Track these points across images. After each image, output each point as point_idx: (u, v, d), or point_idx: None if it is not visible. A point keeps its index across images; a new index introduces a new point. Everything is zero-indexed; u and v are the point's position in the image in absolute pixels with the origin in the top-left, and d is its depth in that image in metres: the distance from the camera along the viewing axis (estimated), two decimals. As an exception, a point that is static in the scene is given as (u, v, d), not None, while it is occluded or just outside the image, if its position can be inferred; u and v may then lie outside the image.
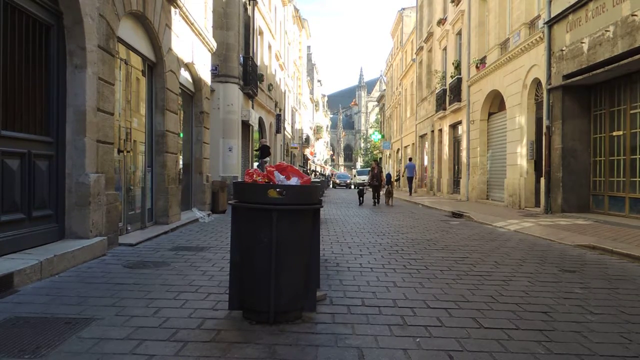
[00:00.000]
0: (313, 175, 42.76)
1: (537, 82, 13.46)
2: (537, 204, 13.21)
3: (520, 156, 14.30)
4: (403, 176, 25.47)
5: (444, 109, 22.72)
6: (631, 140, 10.05)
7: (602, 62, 9.83)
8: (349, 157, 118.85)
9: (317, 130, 68.23)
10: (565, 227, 9.08)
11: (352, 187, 42.04)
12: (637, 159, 9.84)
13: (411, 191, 24.27)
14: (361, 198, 18.32)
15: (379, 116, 63.92)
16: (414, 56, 31.71)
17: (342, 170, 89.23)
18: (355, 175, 50.11)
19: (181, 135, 10.09)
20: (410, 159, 28.08)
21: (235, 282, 3.39)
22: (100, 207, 5.85)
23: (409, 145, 34.37)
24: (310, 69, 60.73)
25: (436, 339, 3.07)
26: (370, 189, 19.07)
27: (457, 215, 12.87)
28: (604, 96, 11.05)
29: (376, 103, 79.78)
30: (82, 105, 5.56)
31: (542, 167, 12.50)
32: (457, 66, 21.06)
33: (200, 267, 5.18)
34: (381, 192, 18.82)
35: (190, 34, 10.20)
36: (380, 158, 54.17)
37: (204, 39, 11.16)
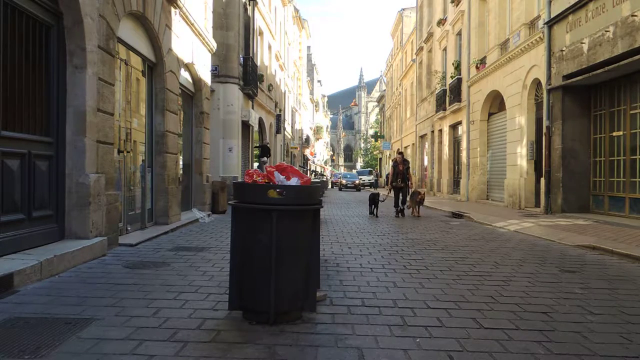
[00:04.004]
0: (313, 175, 42.39)
1: (537, 83, 13.46)
2: (537, 204, 13.21)
3: (520, 156, 14.31)
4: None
5: (444, 110, 22.72)
6: (631, 141, 10.06)
7: (602, 62, 9.83)
8: (349, 157, 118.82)
9: (317, 130, 68.21)
10: (565, 228, 9.08)
11: (361, 189, 36.55)
12: (637, 159, 9.84)
13: None
14: (373, 207, 12.53)
15: (379, 116, 63.91)
16: (414, 56, 31.72)
17: (342, 170, 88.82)
18: None
19: (181, 135, 10.10)
20: None
21: (235, 282, 3.39)
22: (100, 208, 5.85)
23: (409, 145, 34.42)
24: (310, 69, 60.74)
25: (436, 339, 3.07)
26: (390, 195, 13.46)
27: (457, 215, 12.86)
28: (604, 96, 11.05)
29: (376, 103, 79.82)
30: (82, 105, 5.57)
31: (542, 167, 12.50)
32: (457, 66, 21.06)
33: (200, 267, 5.18)
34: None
35: (190, 34, 10.20)
36: (380, 158, 54.00)
37: (204, 39, 11.16)
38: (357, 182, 37.92)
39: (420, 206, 12.71)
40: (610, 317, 3.66)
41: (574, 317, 3.62)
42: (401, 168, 12.57)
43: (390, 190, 13.16)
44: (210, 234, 8.02)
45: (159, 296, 3.92)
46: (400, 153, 13.50)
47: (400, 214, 12.30)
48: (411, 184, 13.04)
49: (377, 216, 12.24)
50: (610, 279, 5.07)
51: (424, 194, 13.08)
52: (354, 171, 63.21)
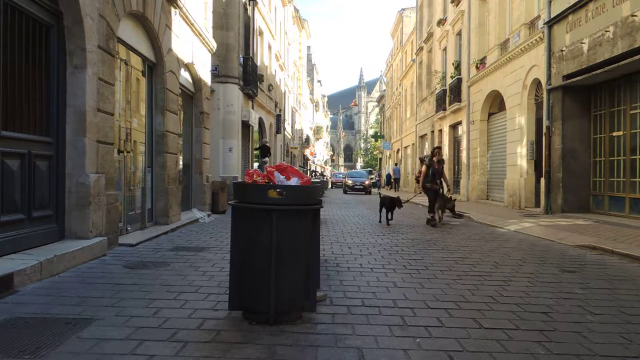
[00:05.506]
0: (313, 175, 42.16)
1: (537, 83, 13.46)
2: (537, 205, 13.21)
3: (520, 156, 14.31)
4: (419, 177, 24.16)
5: (444, 110, 22.72)
6: (631, 141, 10.06)
7: (602, 62, 9.83)
8: (349, 157, 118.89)
9: (317, 130, 68.21)
10: (565, 228, 9.07)
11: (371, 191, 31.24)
12: (637, 159, 9.84)
13: (397, 189, 31.00)
14: (386, 212, 10.49)
15: (379, 116, 63.90)
16: (414, 56, 31.73)
17: (342, 170, 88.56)
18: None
19: (181, 135, 10.10)
20: (396, 164, 36.41)
21: (235, 282, 3.39)
22: (101, 208, 5.85)
23: (409, 145, 34.41)
24: (310, 69, 60.74)
25: (436, 340, 3.07)
26: (412, 199, 11.69)
27: (457, 215, 12.85)
28: (604, 96, 11.05)
29: (376, 103, 79.84)
30: (82, 105, 5.57)
31: (542, 167, 12.50)
32: (457, 66, 21.07)
33: (200, 267, 5.18)
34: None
35: (190, 34, 10.20)
36: (380, 159, 53.93)
37: (204, 39, 11.16)
38: (366, 182, 31.48)
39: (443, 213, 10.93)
40: (610, 317, 3.66)
41: (574, 317, 3.62)
42: (437, 168, 10.47)
43: (420, 192, 11.00)
44: (210, 234, 8.02)
45: (159, 296, 3.92)
46: (439, 148, 11.18)
47: (438, 222, 10.30)
48: (448, 187, 10.96)
49: (385, 223, 10.35)
50: (610, 279, 5.07)
51: (454, 200, 11.48)
52: (356, 169, 60.86)
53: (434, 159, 10.55)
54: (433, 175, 10.45)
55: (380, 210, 10.71)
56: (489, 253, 6.63)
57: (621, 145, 10.39)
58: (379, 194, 12.04)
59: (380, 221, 10.70)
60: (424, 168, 10.64)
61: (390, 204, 10.44)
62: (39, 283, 4.25)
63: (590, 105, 11.57)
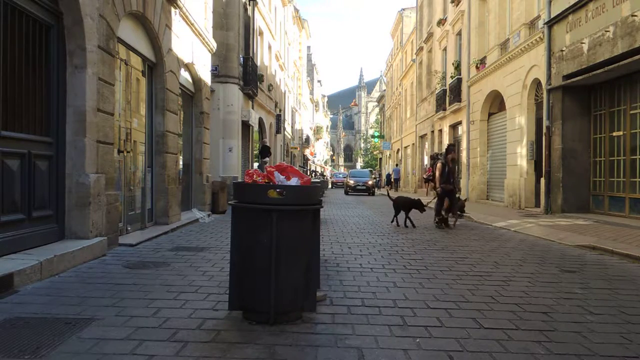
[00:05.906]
0: (313, 175, 42.08)
1: (537, 83, 13.47)
2: (537, 205, 13.21)
3: (520, 156, 14.31)
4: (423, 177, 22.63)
5: (444, 110, 22.73)
6: (631, 141, 10.06)
7: (602, 62, 9.83)
8: (349, 157, 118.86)
9: (317, 130, 68.19)
10: (565, 228, 9.07)
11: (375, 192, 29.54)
12: (637, 159, 9.84)
13: (397, 189, 31.48)
14: (405, 214, 10.00)
15: (379, 116, 63.85)
16: (414, 56, 31.74)
17: (342, 170, 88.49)
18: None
19: (181, 135, 10.10)
20: (397, 165, 37.73)
21: (235, 282, 3.39)
22: (100, 208, 5.85)
23: (409, 145, 34.42)
24: (310, 69, 60.73)
25: (436, 340, 3.07)
26: (429, 205, 10.98)
27: (459, 215, 12.83)
28: (604, 96, 11.05)
29: (376, 103, 79.79)
30: (82, 105, 5.57)
31: (542, 167, 12.50)
32: (457, 66, 21.07)
33: (200, 267, 5.18)
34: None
35: (190, 34, 10.20)
36: (380, 159, 53.87)
37: (204, 39, 11.16)
38: (370, 182, 29.41)
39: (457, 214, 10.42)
40: (610, 317, 3.66)
41: (574, 317, 3.62)
42: (451, 167, 10.03)
43: (437, 194, 10.27)
44: (210, 234, 8.02)
45: (159, 296, 3.92)
46: (453, 145, 10.37)
47: (443, 224, 9.88)
48: (458, 187, 10.16)
49: (403, 225, 9.91)
50: (610, 279, 5.07)
51: (465, 199, 11.33)
52: (356, 169, 60.25)
53: (449, 156, 10.04)
54: (447, 174, 9.94)
55: (397, 214, 10.13)
56: (489, 253, 6.63)
57: (621, 145, 10.39)
58: (388, 195, 11.23)
59: (392, 222, 10.23)
60: (439, 166, 10.01)
61: (410, 206, 9.96)
62: (39, 283, 4.25)
63: (590, 105, 11.57)
